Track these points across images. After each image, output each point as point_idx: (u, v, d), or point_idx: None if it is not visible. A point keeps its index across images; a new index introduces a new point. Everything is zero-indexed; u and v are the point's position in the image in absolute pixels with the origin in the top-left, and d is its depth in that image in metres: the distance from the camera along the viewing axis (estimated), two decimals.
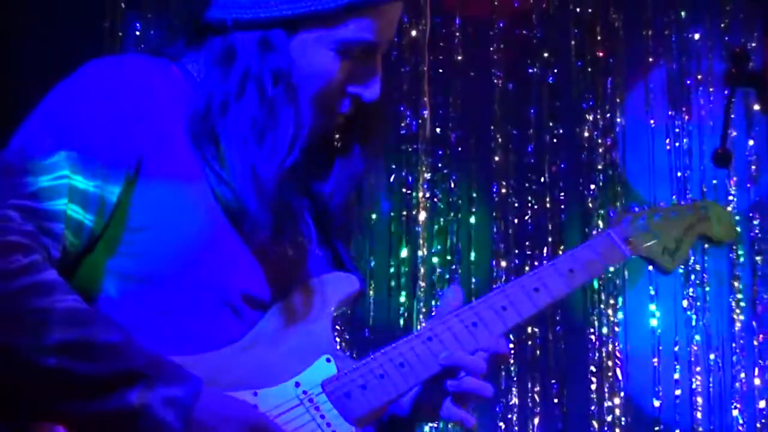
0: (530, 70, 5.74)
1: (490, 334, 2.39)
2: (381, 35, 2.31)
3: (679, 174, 5.62)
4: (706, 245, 2.77)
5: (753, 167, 5.51)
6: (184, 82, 2.32)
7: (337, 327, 5.31)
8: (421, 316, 5.49)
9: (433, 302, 5.53)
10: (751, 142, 5.50)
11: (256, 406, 2.18)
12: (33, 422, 2.03)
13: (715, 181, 5.58)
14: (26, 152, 2.13)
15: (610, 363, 5.53)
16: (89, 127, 2.18)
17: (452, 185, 5.67)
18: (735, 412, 5.43)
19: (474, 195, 5.70)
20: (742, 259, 5.52)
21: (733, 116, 5.37)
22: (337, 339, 5.31)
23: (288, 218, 2.29)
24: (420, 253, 5.58)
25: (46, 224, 2.08)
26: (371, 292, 5.50)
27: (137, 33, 5.42)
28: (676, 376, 5.51)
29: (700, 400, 5.46)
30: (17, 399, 2.03)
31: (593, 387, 5.53)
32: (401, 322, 5.53)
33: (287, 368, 2.27)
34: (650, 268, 2.72)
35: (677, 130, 5.64)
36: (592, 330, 5.57)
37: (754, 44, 5.26)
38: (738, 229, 2.82)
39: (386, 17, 2.33)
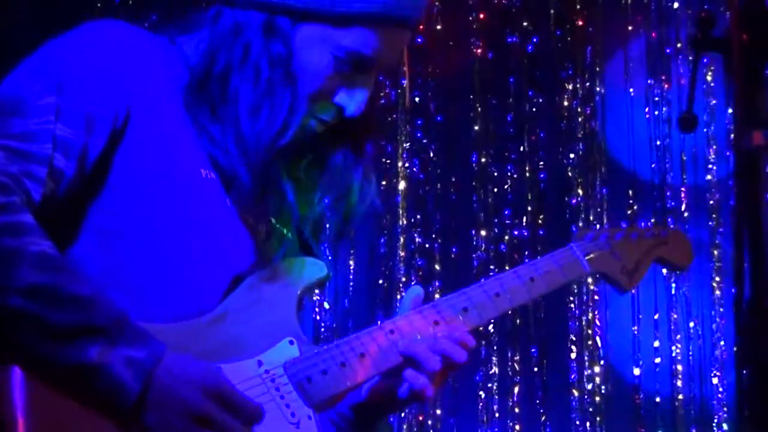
0: (509, 39, 5.75)
1: (450, 332, 2.37)
2: (379, 55, 2.32)
3: (658, 142, 5.61)
4: (663, 269, 2.75)
5: (732, 135, 5.43)
6: (175, 56, 2.35)
7: (316, 297, 5.38)
8: (400, 285, 5.50)
9: (412, 271, 5.57)
10: (730, 110, 5.45)
11: (220, 370, 2.14)
12: None
13: (694, 150, 5.58)
14: (15, 94, 2.13)
15: (590, 331, 5.52)
16: (79, 77, 2.17)
17: (431, 155, 5.67)
18: (715, 380, 5.42)
19: (453, 164, 5.70)
20: (721, 228, 5.49)
21: (712, 84, 5.45)
22: (316, 309, 5.38)
23: (271, 195, 2.30)
24: (400, 222, 5.59)
25: (30, 167, 2.07)
26: (351, 262, 5.53)
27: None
28: (656, 344, 5.50)
29: (680, 368, 5.46)
30: None
31: (573, 356, 5.53)
32: (381, 292, 5.56)
33: (251, 346, 2.26)
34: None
35: (657, 98, 5.63)
36: (571, 299, 5.57)
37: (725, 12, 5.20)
38: (692, 256, 2.82)
39: (390, 40, 2.33)
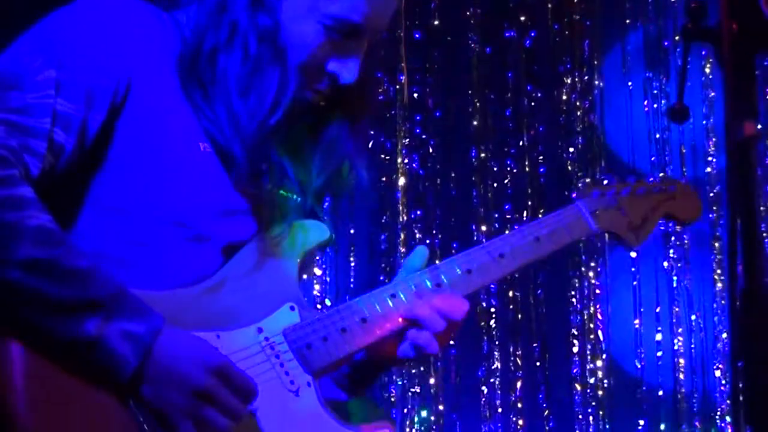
0: (507, 34, 5.73)
1: (452, 294, 2.39)
2: (369, 21, 2.31)
3: (657, 135, 5.60)
4: (673, 224, 2.80)
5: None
6: (172, 29, 2.33)
7: (317, 293, 5.34)
8: None
9: None
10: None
11: (218, 348, 2.13)
12: None
13: (693, 142, 5.57)
14: (14, 68, 2.12)
15: (592, 325, 5.52)
16: (79, 51, 2.17)
17: (431, 150, 5.65)
18: (717, 373, 5.41)
19: (453, 160, 5.67)
20: (722, 220, 5.47)
21: (711, 76, 5.44)
22: (318, 306, 5.30)
23: (269, 170, 2.31)
24: (400, 219, 5.55)
25: (29, 141, 2.06)
26: (352, 259, 5.49)
27: None
28: (658, 337, 5.48)
29: (682, 361, 5.44)
30: None
31: (575, 350, 5.51)
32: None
33: (251, 313, 2.26)
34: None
35: (655, 91, 5.63)
36: (573, 293, 5.55)
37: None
38: (701, 209, 2.79)
39: (377, 5, 2.33)
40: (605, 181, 2.67)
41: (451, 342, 2.45)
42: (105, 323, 1.99)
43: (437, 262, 5.04)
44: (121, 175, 2.21)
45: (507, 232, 5.32)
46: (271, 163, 2.33)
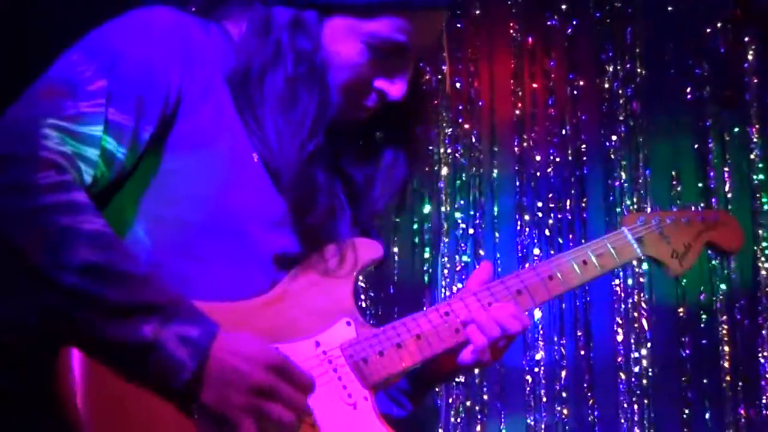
0: (549, 23, 5.72)
1: (503, 314, 2.45)
2: (413, 39, 2.33)
3: (700, 123, 5.57)
4: (711, 252, 2.89)
5: None
6: (222, 40, 2.36)
7: (362, 284, 5.29)
8: (445, 271, 5.46)
9: (457, 257, 5.51)
10: None
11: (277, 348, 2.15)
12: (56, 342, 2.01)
13: (736, 129, 5.54)
14: (68, 77, 2.13)
15: (636, 314, 5.47)
16: (130, 62, 2.18)
17: (473, 140, 5.64)
18: (761, 360, 5.37)
19: (495, 149, 5.66)
20: (765, 207, 5.44)
21: (754, 64, 5.42)
22: (362, 296, 5.34)
23: (312, 190, 2.32)
24: (443, 208, 5.56)
25: (82, 148, 2.08)
26: (395, 249, 5.50)
27: None
28: (702, 325, 5.47)
29: (727, 348, 5.41)
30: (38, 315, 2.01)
31: (620, 338, 5.47)
32: (425, 278, 5.52)
33: (308, 326, 2.30)
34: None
35: (697, 79, 5.58)
36: (617, 281, 5.50)
37: None
38: (743, 239, 2.88)
39: (422, 23, 2.34)
40: (649, 209, 2.72)
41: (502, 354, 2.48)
42: (161, 327, 1.99)
43: (481, 252, 5.06)
44: (175, 185, 2.23)
45: (551, 223, 5.51)
46: (319, 187, 2.34)
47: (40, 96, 2.10)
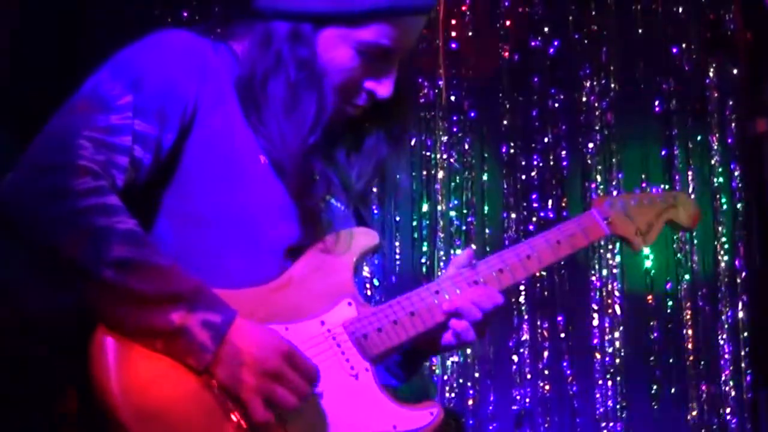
0: (533, 43, 5.83)
1: (487, 290, 2.48)
2: (398, 43, 2.38)
3: (667, 132, 5.69)
4: (672, 230, 2.90)
5: (733, 125, 5.50)
6: (229, 56, 2.42)
7: (367, 274, 5.39)
8: (441, 263, 5.53)
9: (452, 251, 5.61)
10: (731, 102, 5.47)
11: (287, 338, 2.21)
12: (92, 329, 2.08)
13: (699, 137, 5.66)
14: (99, 93, 2.19)
15: (610, 301, 5.63)
16: (153, 78, 2.24)
17: (466, 147, 5.75)
18: (720, 341, 5.53)
19: (485, 155, 5.78)
20: (724, 207, 5.56)
21: (715, 80, 5.50)
22: (367, 285, 5.40)
23: (312, 181, 2.38)
24: (439, 207, 5.67)
25: (114, 156, 2.14)
26: (397, 243, 5.57)
27: (184, 17, 5.51)
28: (668, 311, 5.60)
29: (690, 332, 5.57)
30: (80, 305, 2.10)
31: (595, 323, 5.63)
32: (423, 269, 5.62)
33: (314, 308, 2.33)
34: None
35: (664, 93, 5.71)
36: (593, 272, 5.67)
37: (731, 15, 4.97)
38: (700, 217, 2.88)
39: (406, 27, 2.39)
40: (615, 193, 2.75)
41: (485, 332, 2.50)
42: (188, 314, 2.06)
43: (473, 246, 5.01)
44: (191, 185, 2.28)
45: (535, 220, 5.61)
46: (317, 173, 2.40)
47: (75, 111, 2.16)
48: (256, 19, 2.42)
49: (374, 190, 2.85)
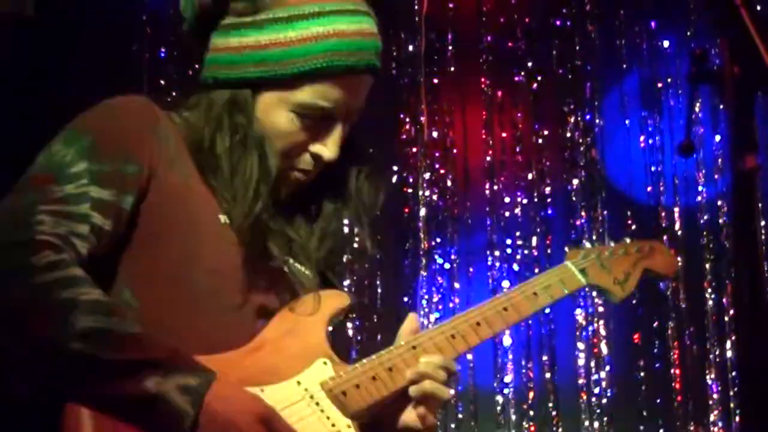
0: (516, 78, 5.77)
1: (466, 344, 2.47)
2: (339, 103, 2.37)
3: (653, 168, 5.64)
4: (651, 279, 2.83)
5: (719, 160, 5.53)
6: (181, 123, 2.41)
7: (351, 314, 5.30)
8: (423, 302, 5.50)
9: (434, 290, 5.55)
10: (717, 138, 5.52)
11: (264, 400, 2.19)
12: (63, 403, 2.05)
13: (685, 174, 5.61)
14: (53, 163, 2.19)
15: (596, 340, 5.54)
16: (106, 143, 2.24)
17: (449, 183, 5.68)
18: (709, 381, 5.47)
19: (468, 192, 5.73)
20: (711, 245, 5.53)
21: (700, 115, 5.43)
22: (348, 325, 5.34)
23: (274, 244, 2.35)
24: (422, 245, 5.59)
25: (74, 225, 2.13)
26: (378, 282, 5.52)
27: (162, 57, 5.45)
28: (655, 350, 5.54)
29: (677, 371, 5.50)
30: (48, 382, 2.07)
31: (581, 362, 5.54)
32: (405, 309, 5.46)
33: (289, 369, 2.30)
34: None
35: (650, 128, 5.66)
36: (579, 311, 5.57)
37: (716, 49, 5.13)
38: (677, 265, 2.92)
39: (346, 87, 2.38)
40: (588, 245, 2.69)
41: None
42: (162, 380, 2.03)
43: (456, 284, 4.99)
44: (155, 248, 2.25)
45: (519, 258, 5.56)
46: (273, 233, 2.37)
47: (30, 184, 2.16)
48: (202, 89, 2.44)
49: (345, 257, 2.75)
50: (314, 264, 2.46)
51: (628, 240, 2.86)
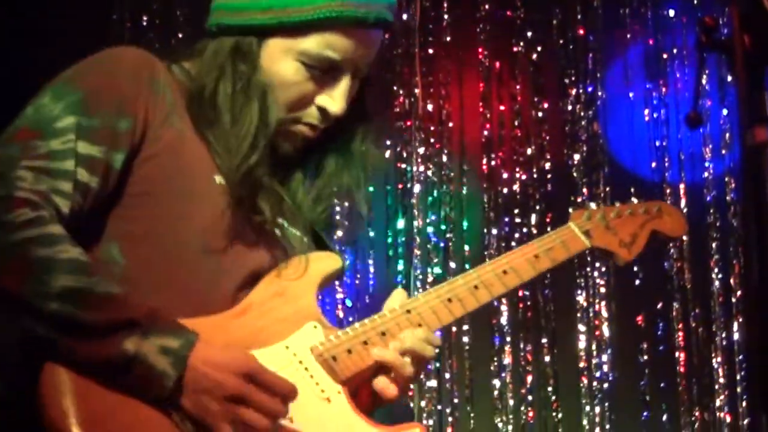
0: (515, 49, 5.72)
1: (463, 308, 2.44)
2: (348, 55, 2.34)
3: (657, 143, 5.61)
4: (659, 242, 2.78)
5: (727, 135, 5.51)
6: (181, 75, 2.39)
7: (340, 295, 5.37)
8: (417, 283, 5.46)
9: (429, 269, 5.52)
10: (725, 112, 5.49)
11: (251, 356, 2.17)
12: (41, 365, 2.02)
13: (691, 149, 5.58)
14: (39, 117, 2.15)
15: (597, 322, 5.51)
16: (98, 97, 2.20)
17: (444, 159, 5.64)
18: (715, 364, 5.45)
19: (465, 167, 5.67)
20: (718, 223, 5.50)
21: (707, 88, 5.43)
22: (339, 306, 5.36)
23: (265, 201, 2.33)
24: (416, 223, 5.55)
25: (57, 183, 2.09)
26: (371, 261, 5.49)
27: (143, 23, 5.39)
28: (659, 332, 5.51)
29: (682, 355, 5.47)
30: (25, 342, 2.04)
31: (582, 345, 5.51)
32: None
33: (277, 333, 2.27)
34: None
35: (655, 101, 5.63)
36: (579, 291, 5.54)
37: (725, 19, 5.08)
38: (686, 226, 2.80)
39: (356, 39, 2.35)
40: (593, 205, 2.70)
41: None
42: (142, 340, 2.01)
43: (452, 264, 5.00)
44: (144, 206, 2.23)
45: (517, 236, 5.55)
46: (267, 190, 2.34)
47: (13, 140, 2.13)
48: (207, 37, 2.41)
49: (337, 210, 2.83)
50: (307, 225, 2.46)
51: (634, 200, 2.80)
